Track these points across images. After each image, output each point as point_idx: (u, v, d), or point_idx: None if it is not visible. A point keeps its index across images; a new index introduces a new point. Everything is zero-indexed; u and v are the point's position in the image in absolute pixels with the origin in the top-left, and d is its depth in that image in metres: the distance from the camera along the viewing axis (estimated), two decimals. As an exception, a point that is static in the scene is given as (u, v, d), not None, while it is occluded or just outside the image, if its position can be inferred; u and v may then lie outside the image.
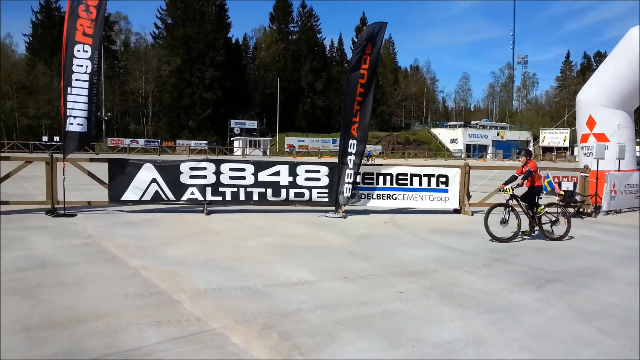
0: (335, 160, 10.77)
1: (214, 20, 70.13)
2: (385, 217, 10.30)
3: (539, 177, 8.15)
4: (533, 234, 8.08)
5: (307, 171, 10.52)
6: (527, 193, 8.10)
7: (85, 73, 9.39)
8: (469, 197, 11.25)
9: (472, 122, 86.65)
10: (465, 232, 8.76)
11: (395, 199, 11.02)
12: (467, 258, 6.64)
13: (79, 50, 9.30)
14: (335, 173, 10.45)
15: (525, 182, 7.86)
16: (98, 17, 9.43)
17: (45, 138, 54.24)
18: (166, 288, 4.85)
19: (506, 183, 7.88)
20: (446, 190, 11.10)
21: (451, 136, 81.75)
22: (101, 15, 9.59)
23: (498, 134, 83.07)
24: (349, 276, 5.45)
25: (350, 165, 10.22)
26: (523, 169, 7.99)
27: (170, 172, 9.94)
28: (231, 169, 10.25)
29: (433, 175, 11.11)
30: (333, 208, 10.48)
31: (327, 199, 10.55)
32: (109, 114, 62.48)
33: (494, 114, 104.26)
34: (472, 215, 10.76)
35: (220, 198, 10.15)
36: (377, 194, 10.91)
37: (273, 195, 10.35)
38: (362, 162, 10.69)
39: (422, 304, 4.61)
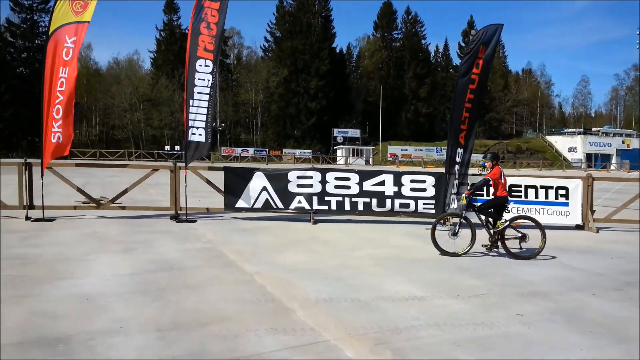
0: (441, 170, 10.45)
1: (320, 31, 72.02)
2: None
3: (502, 187, 7.32)
4: (496, 249, 7.22)
5: (412, 181, 10.33)
6: (488, 203, 7.44)
7: (205, 86, 10.10)
8: (592, 211, 10.30)
9: (593, 129, 79.46)
10: (591, 250, 8.03)
11: (509, 212, 10.38)
12: (595, 279, 6.07)
13: (200, 65, 10.03)
14: (442, 183, 10.13)
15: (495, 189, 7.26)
16: (217, 33, 10.10)
17: (167, 147, 59.21)
18: (280, 295, 5.01)
19: (475, 187, 7.41)
20: (566, 204, 10.26)
21: (569, 144, 75.69)
22: (220, 32, 10.26)
23: (623, 142, 75.43)
24: (462, 294, 5.24)
25: (457, 176, 9.88)
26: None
27: (279, 181, 10.31)
28: (336, 178, 10.38)
29: (551, 187, 10.33)
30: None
31: (433, 211, 10.26)
32: (223, 124, 66.58)
33: (618, 119, 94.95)
34: (598, 232, 9.84)
35: (326, 207, 10.31)
36: (488, 206, 10.39)
37: (378, 206, 10.30)
38: (476, 173, 10.26)
39: (546, 329, 4.29)
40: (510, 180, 10.41)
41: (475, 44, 9.80)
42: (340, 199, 10.30)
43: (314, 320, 4.30)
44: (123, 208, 10.64)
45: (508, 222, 7.15)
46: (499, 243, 7.14)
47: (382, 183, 10.33)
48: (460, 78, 9.93)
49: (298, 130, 70.60)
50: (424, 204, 10.26)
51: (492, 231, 7.20)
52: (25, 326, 4.05)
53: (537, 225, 7.30)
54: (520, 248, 7.09)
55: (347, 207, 10.32)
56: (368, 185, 10.32)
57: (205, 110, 10.16)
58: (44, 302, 4.68)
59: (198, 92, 10.05)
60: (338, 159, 64.41)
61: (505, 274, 6.21)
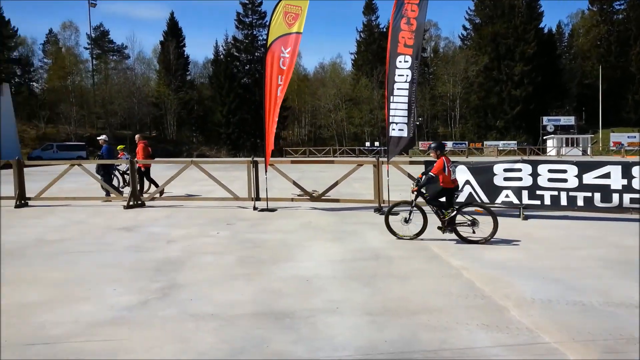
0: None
1: (525, 12, 66.30)
2: None
3: (447, 178, 7.24)
4: (449, 233, 7.21)
5: (648, 173, 8.81)
6: (434, 194, 7.40)
7: (405, 82, 10.23)
8: None
9: None
10: None
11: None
12: None
13: (400, 61, 10.18)
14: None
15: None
16: (417, 28, 10.12)
17: (367, 143, 61.69)
18: (490, 292, 4.81)
19: (421, 184, 7.35)
20: None
21: None
22: (420, 26, 10.25)
23: None
24: None
25: None
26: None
27: (483, 174, 9.85)
28: (550, 171, 9.45)
29: None
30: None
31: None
32: (420, 118, 66.39)
33: None
34: None
35: (537, 202, 9.48)
36: None
37: (602, 201, 9.05)
38: None
39: None
40: None
41: None
42: (555, 193, 9.36)
43: (531, 321, 4.01)
44: (332, 200, 11.45)
45: (456, 211, 7.24)
46: (451, 229, 7.21)
47: (607, 175, 9.05)
48: None
49: (500, 121, 66.28)
50: (663, 199, 8.68)
51: (443, 219, 7.26)
52: (256, 300, 4.68)
53: (488, 211, 7.41)
54: (473, 232, 7.12)
55: (563, 202, 9.32)
56: (589, 178, 9.15)
57: (405, 106, 10.29)
58: (270, 280, 5.33)
59: (397, 88, 10.24)
60: (548, 149, 58.52)
61: None
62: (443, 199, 7.40)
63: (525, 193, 9.51)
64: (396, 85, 10.23)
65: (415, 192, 7.40)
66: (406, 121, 10.35)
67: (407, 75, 10.23)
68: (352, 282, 5.19)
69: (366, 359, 3.39)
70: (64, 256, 6.62)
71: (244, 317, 4.22)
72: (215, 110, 66.12)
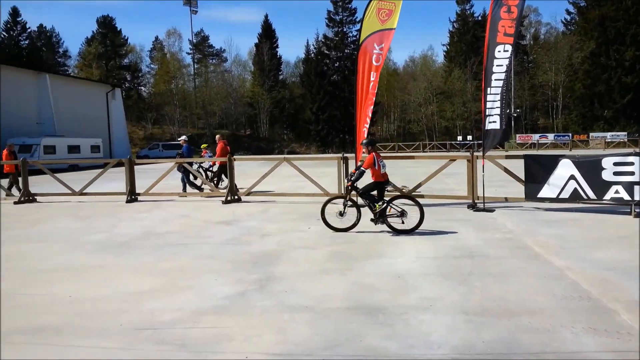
0: None
1: (638, -10, 60.28)
2: None
3: (377, 172, 7.77)
4: (381, 224, 7.69)
5: None
6: (365, 188, 7.84)
7: (503, 72, 9.75)
8: None
9: None
10: None
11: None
12: None
13: (499, 51, 9.71)
14: None
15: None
16: (517, 16, 9.60)
17: (459, 138, 59.56)
18: (597, 294, 4.47)
19: (354, 179, 7.80)
20: None
21: None
22: (520, 13, 9.71)
23: None
24: None
25: None
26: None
27: (590, 168, 9.12)
28: (670, 164, 8.55)
29: None
30: None
31: None
32: (518, 110, 62.94)
33: None
34: None
35: (653, 198, 8.62)
36: None
37: None
38: None
39: None
40: None
41: None
42: (674, 188, 8.46)
43: (646, 327, 3.68)
44: (422, 196, 11.22)
45: (386, 204, 7.65)
46: (382, 220, 7.62)
47: None
48: None
49: (609, 111, 60.81)
50: None
51: (374, 211, 7.67)
52: (348, 294, 4.74)
53: (415, 202, 7.80)
54: (402, 223, 7.54)
55: (683, 198, 8.41)
56: None
57: (500, 97, 9.83)
58: (362, 276, 5.37)
59: (495, 79, 9.78)
60: (664, 141, 52.81)
61: None
62: (374, 193, 7.86)
63: (637, 189, 8.69)
64: (494, 76, 9.78)
65: (349, 187, 7.89)
66: (500, 112, 9.88)
67: (506, 65, 9.76)
68: (445, 280, 5.07)
69: (463, 358, 3.30)
70: (169, 248, 7.14)
71: (337, 310, 4.29)
72: (306, 107, 67.51)
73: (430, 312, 4.16)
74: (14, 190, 14.82)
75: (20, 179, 14.17)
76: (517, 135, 60.36)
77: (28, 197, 13.42)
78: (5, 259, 6.69)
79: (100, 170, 14.77)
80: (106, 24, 71.29)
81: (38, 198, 13.65)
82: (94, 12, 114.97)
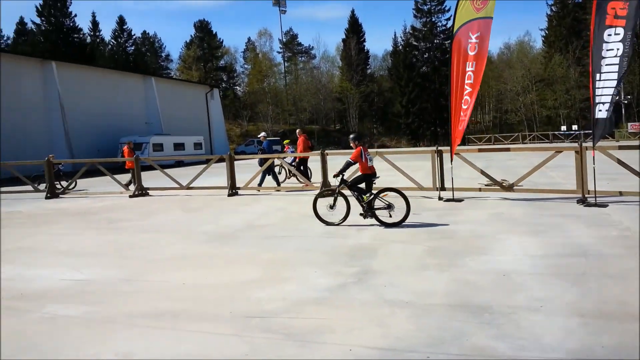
0: None
1: None
2: None
3: (364, 165, 8.01)
4: (370, 218, 7.96)
5: None
6: (353, 180, 8.19)
7: (615, 56, 8.93)
8: None
9: None
10: None
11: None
12: None
13: (609, 35, 8.91)
14: None
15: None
16: (632, -5, 8.73)
17: (563, 127, 55.48)
18: None
19: (341, 170, 8.01)
20: None
21: None
22: (635, -7, 8.83)
23: None
24: None
25: None
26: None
27: None
28: None
29: None
30: None
31: None
32: (629, 96, 57.36)
33: None
34: None
35: None
36: None
37: None
38: None
39: None
40: None
41: None
42: None
43: None
44: (526, 190, 10.65)
45: (374, 196, 7.91)
46: (371, 214, 7.89)
47: None
48: None
49: None
50: None
51: (362, 204, 7.95)
52: (449, 291, 4.62)
53: (401, 195, 7.88)
54: (390, 216, 7.76)
55: None
56: None
57: (614, 83, 9.02)
58: (464, 272, 5.21)
59: (607, 64, 8.99)
60: None
61: None
62: (362, 185, 8.09)
63: None
64: (604, 62, 8.98)
65: (338, 180, 8.12)
66: (610, 100, 9.07)
67: (619, 49, 8.92)
68: (556, 280, 4.77)
69: (580, 363, 3.10)
70: (270, 240, 7.42)
71: (439, 307, 4.21)
72: (395, 101, 66.60)
73: (541, 313, 3.95)
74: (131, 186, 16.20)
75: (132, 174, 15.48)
76: (630, 124, 55.01)
77: (141, 191, 14.60)
78: (125, 247, 7.35)
79: (203, 165, 15.70)
80: (202, 28, 75.23)
81: (150, 192, 14.80)
82: (191, 16, 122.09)
